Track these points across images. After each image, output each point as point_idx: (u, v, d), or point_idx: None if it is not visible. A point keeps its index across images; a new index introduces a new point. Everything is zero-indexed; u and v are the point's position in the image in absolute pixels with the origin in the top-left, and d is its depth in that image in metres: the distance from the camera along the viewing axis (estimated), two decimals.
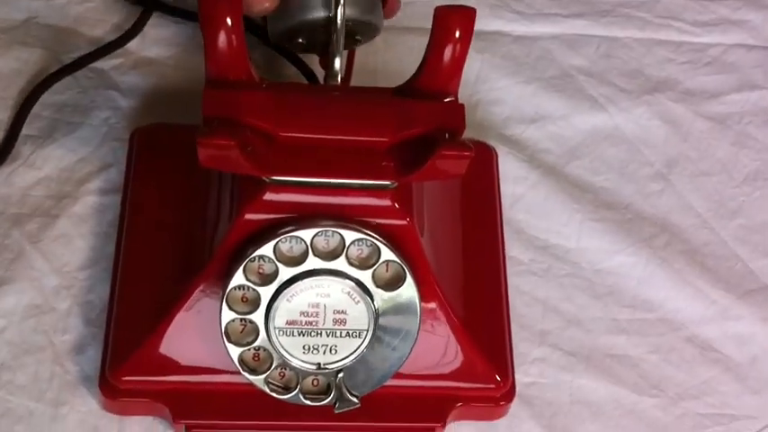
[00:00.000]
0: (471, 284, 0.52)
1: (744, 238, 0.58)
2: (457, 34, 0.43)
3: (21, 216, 0.55)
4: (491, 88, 0.61)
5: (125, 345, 0.49)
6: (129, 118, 0.58)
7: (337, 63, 0.46)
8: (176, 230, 0.51)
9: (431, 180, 0.44)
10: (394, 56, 0.61)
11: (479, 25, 0.62)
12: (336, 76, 0.46)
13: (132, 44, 0.60)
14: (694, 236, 0.58)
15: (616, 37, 0.64)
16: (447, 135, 0.42)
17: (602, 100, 0.61)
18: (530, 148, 0.59)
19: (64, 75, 0.58)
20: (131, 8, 0.62)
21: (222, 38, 0.42)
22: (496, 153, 0.58)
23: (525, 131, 0.60)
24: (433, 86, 0.44)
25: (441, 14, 0.43)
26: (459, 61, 0.43)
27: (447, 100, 0.44)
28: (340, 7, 0.45)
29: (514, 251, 0.56)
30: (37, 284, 0.53)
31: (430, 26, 0.61)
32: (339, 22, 0.45)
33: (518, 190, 0.58)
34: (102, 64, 0.59)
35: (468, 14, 0.43)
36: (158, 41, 0.61)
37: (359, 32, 0.49)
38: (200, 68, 0.59)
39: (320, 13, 0.47)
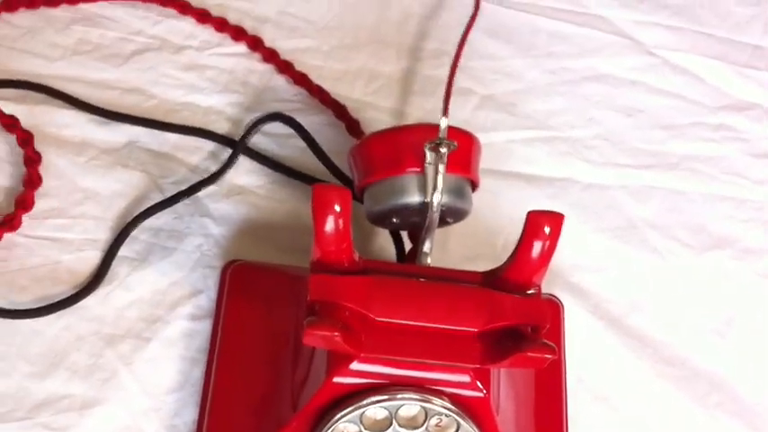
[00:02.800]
0: None
1: None
2: (546, 232, 0.46)
3: (114, 337, 0.58)
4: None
5: None
6: (220, 245, 0.62)
7: (427, 246, 0.50)
8: (264, 369, 0.54)
9: (511, 368, 0.47)
10: None
11: (551, 172, 0.67)
12: (427, 257, 0.50)
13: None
14: (746, 395, 0.60)
15: (682, 191, 0.66)
16: (530, 329, 0.45)
17: (666, 253, 0.64)
18: (594, 297, 0.62)
19: (166, 206, 0.61)
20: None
21: (331, 225, 0.45)
22: (563, 305, 0.61)
23: (590, 279, 0.63)
24: (520, 279, 0.47)
25: (533, 218, 0.46)
26: (546, 259, 0.46)
27: (530, 292, 0.47)
28: (437, 194, 0.48)
29: (576, 400, 0.58)
30: (127, 405, 0.56)
31: (502, 168, 0.65)
32: (435, 209, 0.48)
33: (581, 339, 0.60)
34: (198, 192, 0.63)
35: (558, 219, 0.46)
36: (250, 171, 0.64)
37: (450, 216, 0.52)
38: (289, 199, 0.64)
39: (416, 199, 0.50)
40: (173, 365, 0.58)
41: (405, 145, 0.51)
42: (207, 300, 0.60)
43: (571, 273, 0.63)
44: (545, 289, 0.61)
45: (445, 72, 0.60)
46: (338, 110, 0.66)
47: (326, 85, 0.68)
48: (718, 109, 0.70)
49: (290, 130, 0.65)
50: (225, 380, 0.56)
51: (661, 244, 0.65)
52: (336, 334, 0.43)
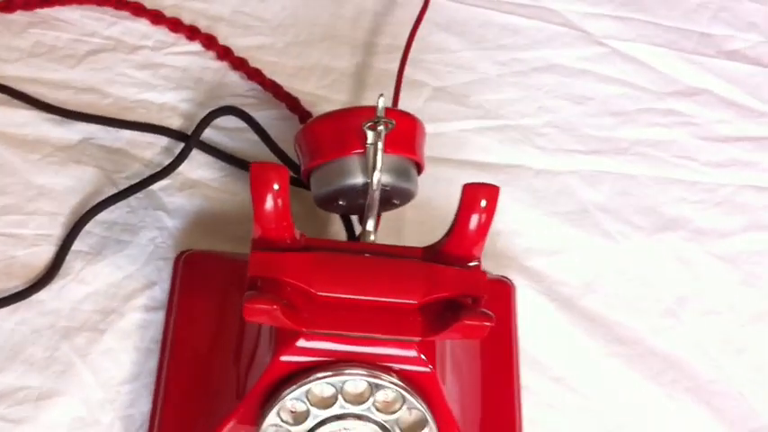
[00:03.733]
0: (488, 417, 0.55)
1: (749, 376, 0.61)
2: (483, 205, 0.47)
3: (70, 329, 0.59)
4: (512, 219, 0.65)
5: None
6: (174, 238, 0.62)
7: (371, 224, 0.50)
8: (216, 356, 0.55)
9: (453, 339, 0.47)
10: (422, 186, 0.65)
11: (503, 159, 0.67)
12: (370, 235, 0.50)
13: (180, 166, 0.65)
14: (701, 373, 0.60)
15: (632, 175, 0.67)
16: (471, 300, 0.46)
17: (617, 236, 0.65)
18: (547, 279, 0.63)
19: (118, 199, 0.62)
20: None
21: (270, 203, 0.46)
22: (514, 286, 0.61)
23: (543, 263, 0.63)
24: (459, 252, 0.48)
25: (469, 190, 0.47)
26: (483, 231, 0.47)
27: (471, 264, 0.48)
28: (376, 172, 0.49)
29: (530, 381, 0.59)
30: (83, 397, 0.56)
31: (455, 157, 0.66)
32: (375, 187, 0.49)
33: (535, 321, 0.61)
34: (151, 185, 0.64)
35: (494, 191, 0.47)
36: (203, 164, 0.65)
37: (395, 197, 0.53)
38: (242, 192, 0.64)
39: (359, 179, 0.51)
40: (127, 357, 0.58)
41: (347, 127, 0.51)
42: (161, 291, 0.60)
43: (525, 257, 0.64)
44: (499, 272, 0.62)
45: (398, 66, 0.61)
46: (291, 103, 0.67)
47: (281, 81, 0.68)
48: (666, 95, 0.71)
49: (244, 125, 0.66)
50: (178, 369, 0.56)
51: (613, 227, 0.65)
52: (276, 307, 0.43)
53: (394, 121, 0.48)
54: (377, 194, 0.49)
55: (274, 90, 0.67)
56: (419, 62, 0.70)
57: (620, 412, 0.59)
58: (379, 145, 0.48)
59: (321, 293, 0.46)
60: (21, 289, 0.59)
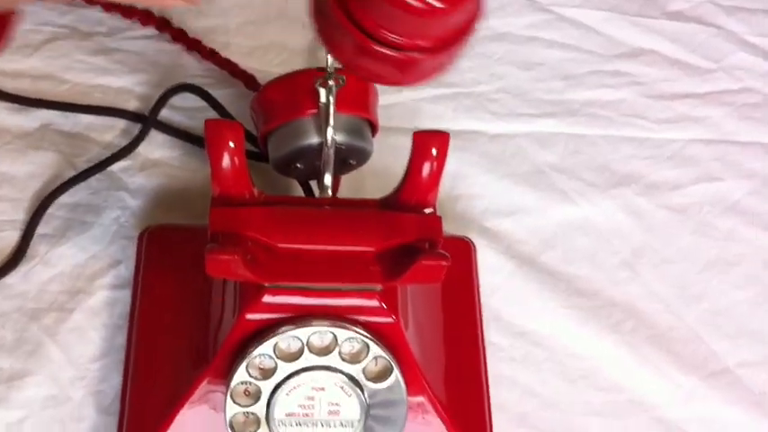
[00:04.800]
0: (454, 371, 0.56)
1: (707, 321, 0.62)
2: (434, 153, 0.48)
3: (38, 311, 0.59)
4: (470, 183, 0.66)
5: None
6: (137, 216, 0.63)
7: (327, 179, 0.51)
8: (183, 325, 0.55)
9: (413, 284, 0.49)
10: (377, 155, 0.66)
11: (458, 125, 0.69)
12: (327, 191, 0.51)
13: (139, 147, 0.65)
14: (660, 321, 0.62)
15: (583, 134, 0.69)
16: (427, 245, 0.47)
17: (573, 194, 0.66)
18: (506, 239, 0.64)
19: (78, 181, 0.62)
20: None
21: (226, 159, 0.47)
22: (474, 246, 0.62)
23: (502, 224, 0.65)
24: (414, 200, 0.49)
25: (419, 138, 0.48)
26: (436, 178, 0.48)
27: (427, 211, 0.49)
28: (329, 129, 0.50)
29: (494, 338, 0.60)
30: (54, 375, 0.57)
31: (410, 126, 0.67)
32: (329, 144, 0.50)
33: (496, 280, 0.62)
34: (112, 167, 0.64)
35: (444, 138, 0.48)
36: (163, 144, 0.66)
37: (351, 157, 0.54)
38: (202, 169, 0.65)
39: (314, 139, 0.52)
40: (96, 334, 0.59)
41: (300, 88, 0.52)
42: (126, 270, 0.60)
43: (483, 218, 0.65)
44: (459, 233, 0.63)
45: None
46: (248, 80, 0.68)
47: (236, 61, 0.69)
48: (613, 57, 0.72)
49: (201, 104, 0.67)
50: (145, 342, 0.57)
51: (567, 185, 0.67)
52: (237, 257, 0.44)
53: (344, 77, 0.49)
54: (332, 151, 0.50)
55: (230, 68, 0.68)
56: None
57: (582, 363, 0.60)
58: (331, 99, 0.49)
59: (281, 245, 0.47)
60: None
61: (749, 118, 0.71)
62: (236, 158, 0.46)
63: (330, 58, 0.49)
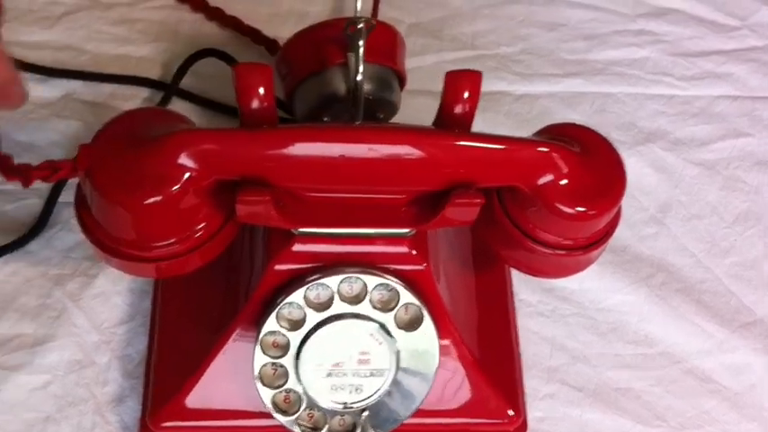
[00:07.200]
0: (483, 325, 0.56)
1: (737, 274, 0.62)
2: (465, 95, 0.47)
3: (62, 277, 0.59)
4: None
5: (164, 392, 0.53)
6: None
7: None
8: (209, 283, 0.55)
9: (445, 227, 0.48)
10: (402, 117, 0.66)
11: (483, 87, 0.68)
12: None
13: None
14: (689, 274, 0.61)
15: (609, 93, 0.68)
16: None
17: None
18: None
19: None
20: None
21: (256, 103, 0.46)
22: None
23: None
24: None
25: (450, 78, 0.47)
26: (468, 119, 0.47)
27: None
28: (359, 76, 0.49)
29: (522, 294, 0.60)
30: (78, 340, 0.57)
31: (434, 89, 0.66)
32: (359, 85, 0.49)
33: None
34: None
35: (475, 77, 0.47)
36: (185, 112, 0.62)
37: (379, 109, 0.53)
38: None
39: (342, 89, 0.51)
40: (121, 299, 0.59)
41: (326, 39, 0.52)
42: None
43: None
44: None
45: (371, 6, 0.60)
46: (270, 45, 0.67)
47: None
48: (637, 16, 0.72)
49: (222, 71, 0.66)
50: (171, 303, 0.56)
51: None
52: (267, 198, 0.44)
53: (374, 22, 0.48)
54: (361, 95, 0.49)
55: (252, 34, 0.68)
56: (393, 0, 0.71)
57: (611, 316, 0.60)
58: (360, 42, 0.48)
59: (310, 192, 0.46)
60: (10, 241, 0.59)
61: None
62: (265, 103, 0.46)
63: (359, 2, 0.48)
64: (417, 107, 0.64)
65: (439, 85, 0.67)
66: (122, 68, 0.67)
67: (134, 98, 0.66)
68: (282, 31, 0.69)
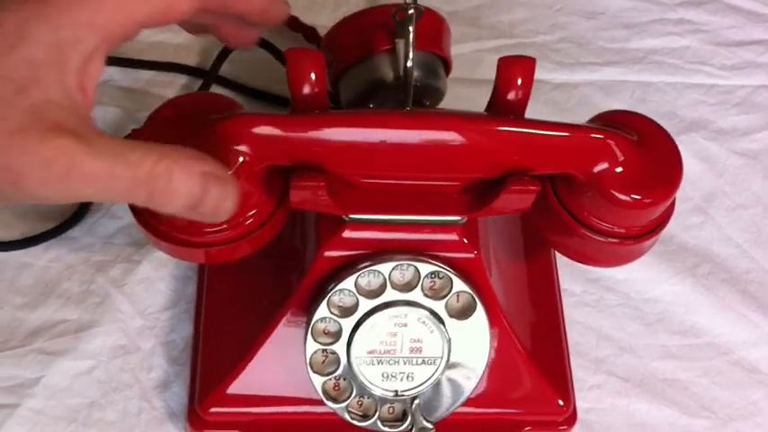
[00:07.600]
0: (532, 314, 0.55)
1: None
2: (519, 82, 0.47)
3: (104, 263, 0.59)
4: None
5: (211, 379, 0.52)
6: None
7: None
8: (257, 269, 0.54)
9: (499, 214, 0.48)
10: (442, 105, 0.66)
11: None
12: None
13: None
14: (735, 264, 0.61)
15: (650, 82, 0.68)
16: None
17: None
18: None
19: None
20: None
21: (307, 89, 0.46)
22: None
23: None
24: None
25: (504, 64, 0.47)
26: (521, 105, 0.47)
27: None
28: (410, 62, 0.49)
29: (567, 284, 0.59)
30: (122, 326, 0.57)
31: (473, 77, 0.66)
32: (408, 70, 0.48)
33: None
34: None
35: (529, 63, 0.47)
36: None
37: (426, 96, 0.52)
38: None
39: (389, 76, 0.51)
40: (165, 285, 0.59)
41: (371, 26, 0.51)
42: None
43: None
44: None
45: None
46: (308, 32, 0.67)
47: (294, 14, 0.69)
48: (676, 5, 0.71)
49: (261, 58, 0.66)
50: (217, 288, 0.56)
51: None
52: (322, 184, 0.43)
53: (423, 8, 0.48)
54: (411, 81, 0.49)
55: (290, 22, 0.67)
56: None
57: (657, 307, 0.59)
58: (410, 28, 0.48)
59: (364, 179, 0.46)
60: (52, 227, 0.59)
61: None
62: (317, 88, 0.45)
63: None
64: (457, 95, 0.64)
65: (478, 73, 0.68)
66: (160, 55, 0.67)
67: (172, 85, 0.66)
68: (320, 19, 0.69)
